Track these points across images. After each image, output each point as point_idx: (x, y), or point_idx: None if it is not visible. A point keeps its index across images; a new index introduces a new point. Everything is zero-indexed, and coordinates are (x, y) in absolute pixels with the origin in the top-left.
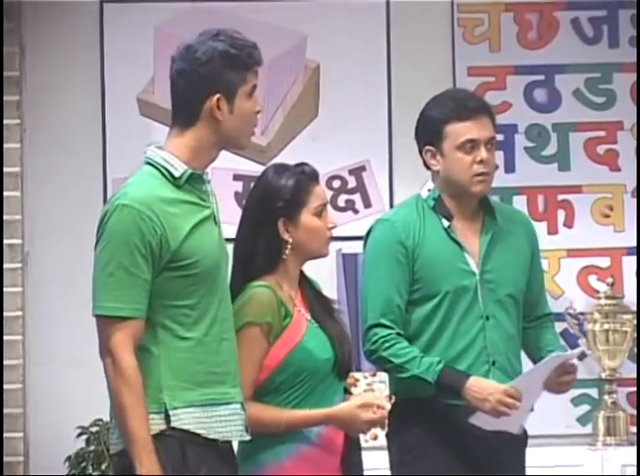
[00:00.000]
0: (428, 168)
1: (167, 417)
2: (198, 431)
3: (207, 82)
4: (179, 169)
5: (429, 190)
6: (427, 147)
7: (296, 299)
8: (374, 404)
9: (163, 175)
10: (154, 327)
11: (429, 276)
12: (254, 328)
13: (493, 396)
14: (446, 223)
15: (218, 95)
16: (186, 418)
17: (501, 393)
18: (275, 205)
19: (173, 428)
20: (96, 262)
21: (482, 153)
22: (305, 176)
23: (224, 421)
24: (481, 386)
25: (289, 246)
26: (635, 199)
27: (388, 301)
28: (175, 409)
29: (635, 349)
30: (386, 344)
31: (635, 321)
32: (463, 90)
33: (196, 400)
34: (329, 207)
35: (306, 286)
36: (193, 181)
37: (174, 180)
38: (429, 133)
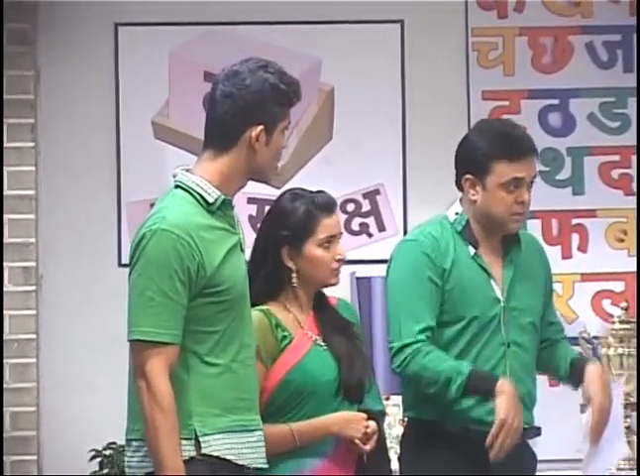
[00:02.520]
0: (461, 190)
1: (198, 444)
2: (228, 457)
3: (253, 111)
4: (213, 194)
5: (457, 214)
6: (468, 176)
7: (305, 322)
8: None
9: (196, 199)
10: (184, 353)
11: (457, 300)
12: None
13: (517, 420)
14: (472, 251)
15: (261, 126)
16: (216, 445)
17: (519, 427)
18: (281, 233)
19: (204, 455)
20: (134, 286)
21: (525, 194)
22: (315, 205)
23: (253, 448)
24: (518, 401)
25: (295, 274)
26: None
27: (421, 320)
28: (206, 435)
29: None
30: (420, 354)
31: None
32: (513, 125)
33: (226, 426)
34: (342, 236)
35: (323, 308)
36: (224, 208)
37: (208, 206)
38: (473, 163)
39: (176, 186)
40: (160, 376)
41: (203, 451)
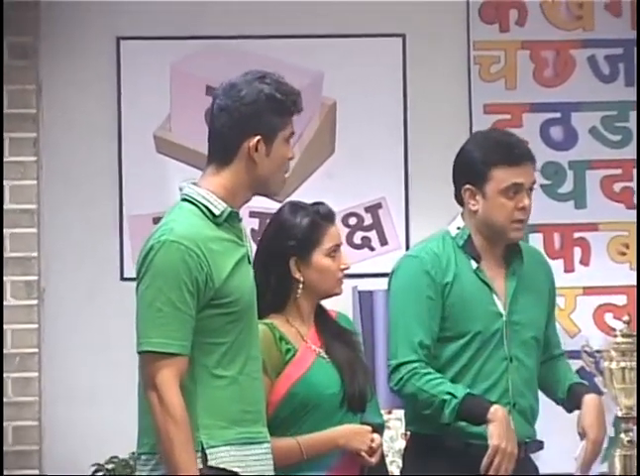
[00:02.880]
0: (461, 204)
1: (204, 456)
2: (235, 470)
3: (249, 122)
4: (219, 206)
5: (458, 228)
6: (467, 186)
7: (307, 335)
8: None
9: (203, 212)
10: (192, 365)
11: (459, 315)
12: None
13: (510, 446)
14: (474, 265)
15: (258, 137)
16: (223, 457)
17: (513, 454)
18: (288, 244)
19: (210, 467)
20: (142, 298)
21: (525, 200)
22: (320, 216)
23: (259, 460)
24: (511, 427)
25: (301, 285)
26: None
27: (418, 338)
28: (212, 447)
29: None
30: (416, 376)
31: None
32: (509, 133)
33: (233, 438)
34: (343, 248)
35: (324, 321)
36: (231, 220)
37: (214, 218)
38: (471, 173)
39: (183, 200)
40: (171, 387)
41: (210, 463)
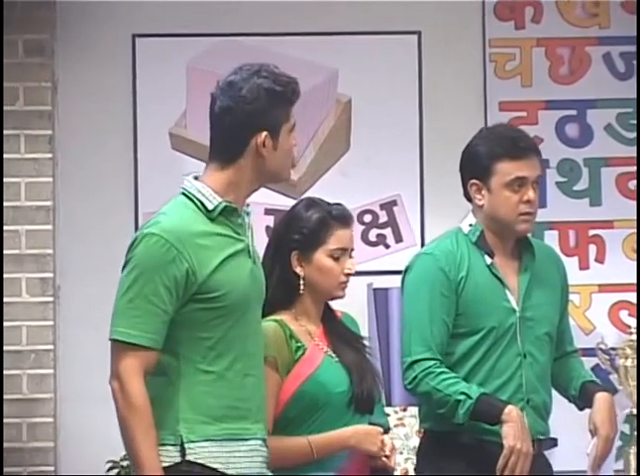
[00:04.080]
0: (469, 200)
1: (183, 450)
2: (214, 466)
3: (254, 120)
4: (213, 201)
5: (470, 225)
6: (473, 181)
7: (316, 334)
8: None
9: (197, 206)
10: (177, 358)
11: (473, 311)
12: None
13: (525, 445)
14: (488, 260)
15: (265, 133)
16: (202, 453)
17: (528, 454)
18: (293, 237)
19: (189, 462)
20: (119, 286)
21: (530, 192)
22: (332, 216)
23: (242, 457)
24: (526, 426)
25: (302, 281)
26: None
27: (432, 336)
28: (192, 442)
29: None
30: (431, 375)
31: None
32: (513, 128)
33: (214, 434)
34: (357, 248)
35: (331, 321)
36: (227, 214)
37: (208, 213)
38: (477, 168)
39: (181, 193)
40: (132, 377)
41: (187, 458)
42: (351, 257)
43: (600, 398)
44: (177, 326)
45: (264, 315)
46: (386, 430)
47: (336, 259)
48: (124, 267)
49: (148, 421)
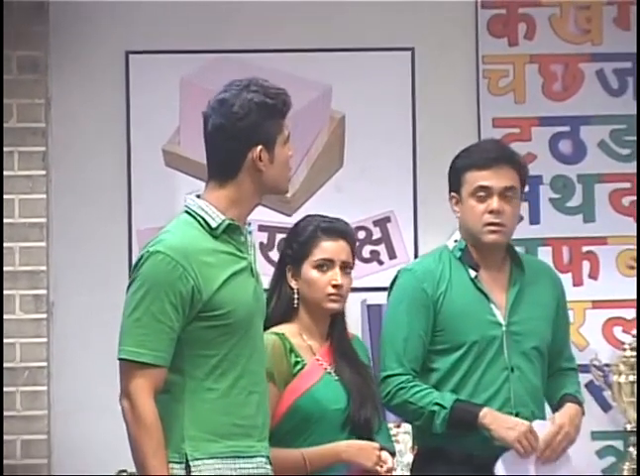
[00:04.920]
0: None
1: (188, 468)
2: None
3: (248, 135)
4: (216, 219)
5: (455, 241)
6: (452, 193)
7: (319, 351)
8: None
9: (200, 224)
10: (182, 376)
11: (454, 326)
12: None
13: (520, 427)
14: (473, 273)
15: (260, 147)
16: (207, 470)
17: (528, 427)
18: (287, 252)
19: None
20: (126, 306)
21: (494, 202)
22: (319, 228)
23: (248, 475)
24: (505, 416)
25: (297, 295)
26: None
27: (405, 352)
28: (196, 460)
29: None
30: (403, 389)
31: None
32: (492, 140)
33: (219, 452)
34: (346, 265)
35: (340, 340)
36: (231, 232)
37: (211, 230)
38: (453, 180)
39: (185, 212)
40: (142, 396)
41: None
42: (346, 272)
43: (569, 405)
44: (182, 344)
45: (265, 329)
46: (392, 454)
47: (322, 271)
48: (129, 285)
49: (159, 440)
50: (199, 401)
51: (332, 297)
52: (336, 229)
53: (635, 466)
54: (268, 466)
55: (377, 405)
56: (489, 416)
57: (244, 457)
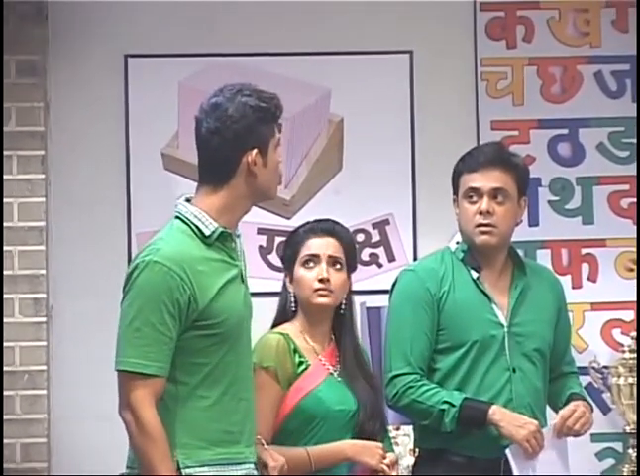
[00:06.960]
0: None
1: None
2: None
3: (244, 138)
4: (210, 227)
5: (457, 243)
6: (453, 197)
7: (323, 352)
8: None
9: (194, 231)
10: (175, 384)
11: (456, 325)
12: (260, 371)
13: (529, 426)
14: (475, 274)
15: (255, 150)
16: None
17: (537, 427)
18: (283, 258)
19: None
20: (122, 317)
21: (484, 204)
22: (306, 229)
23: None
24: (515, 414)
25: (293, 298)
26: None
27: (411, 351)
28: (188, 467)
29: None
30: (412, 389)
31: None
32: (491, 143)
33: (210, 459)
34: (330, 260)
35: (346, 346)
36: (223, 240)
37: (205, 238)
38: (453, 183)
39: (176, 218)
40: (145, 406)
41: None
42: (336, 267)
43: (577, 401)
44: (176, 352)
45: (272, 327)
46: (396, 461)
47: (309, 267)
48: (124, 296)
49: (165, 450)
50: (191, 408)
51: (320, 292)
52: (322, 227)
53: (635, 468)
54: (256, 472)
55: (384, 419)
56: (499, 414)
57: (234, 464)
